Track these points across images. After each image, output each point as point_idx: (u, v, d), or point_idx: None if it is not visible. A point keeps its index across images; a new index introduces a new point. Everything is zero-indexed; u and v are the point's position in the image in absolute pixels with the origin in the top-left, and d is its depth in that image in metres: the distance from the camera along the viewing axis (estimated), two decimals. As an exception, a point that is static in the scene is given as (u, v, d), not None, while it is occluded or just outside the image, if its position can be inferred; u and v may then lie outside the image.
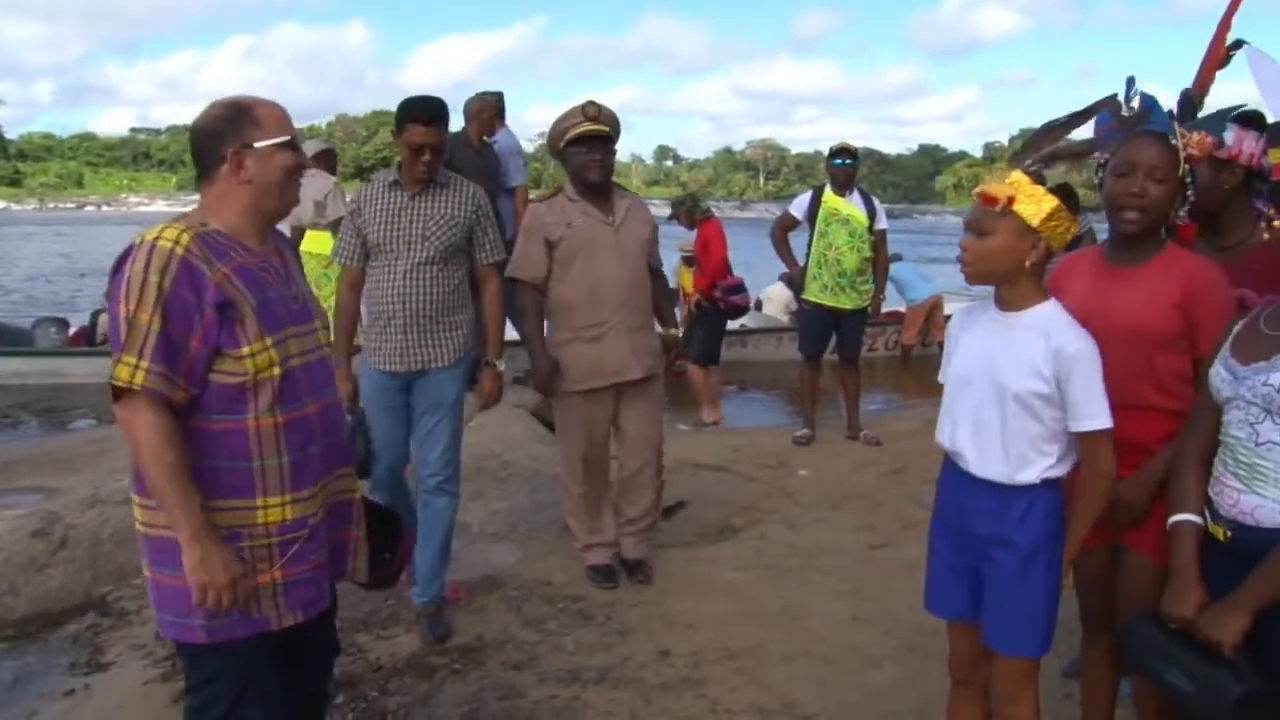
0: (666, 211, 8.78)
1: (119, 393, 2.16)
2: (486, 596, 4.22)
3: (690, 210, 8.82)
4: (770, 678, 3.67)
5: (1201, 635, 2.24)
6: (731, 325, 11.64)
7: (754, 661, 3.78)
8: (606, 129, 4.32)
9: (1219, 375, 2.34)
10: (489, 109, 7.34)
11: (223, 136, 2.28)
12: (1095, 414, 2.41)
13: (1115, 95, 2.77)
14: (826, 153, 7.24)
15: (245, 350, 2.21)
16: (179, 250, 2.15)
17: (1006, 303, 2.51)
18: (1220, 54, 2.94)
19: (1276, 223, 2.31)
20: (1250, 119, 2.83)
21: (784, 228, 7.25)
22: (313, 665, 2.61)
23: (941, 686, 3.14)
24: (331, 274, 6.38)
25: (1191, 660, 2.25)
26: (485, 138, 7.28)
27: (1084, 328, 2.48)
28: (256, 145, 2.28)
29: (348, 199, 3.81)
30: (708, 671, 3.70)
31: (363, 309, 4.04)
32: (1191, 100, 2.84)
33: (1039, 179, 2.47)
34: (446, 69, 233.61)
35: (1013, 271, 2.46)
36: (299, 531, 2.34)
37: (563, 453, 4.58)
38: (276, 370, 2.26)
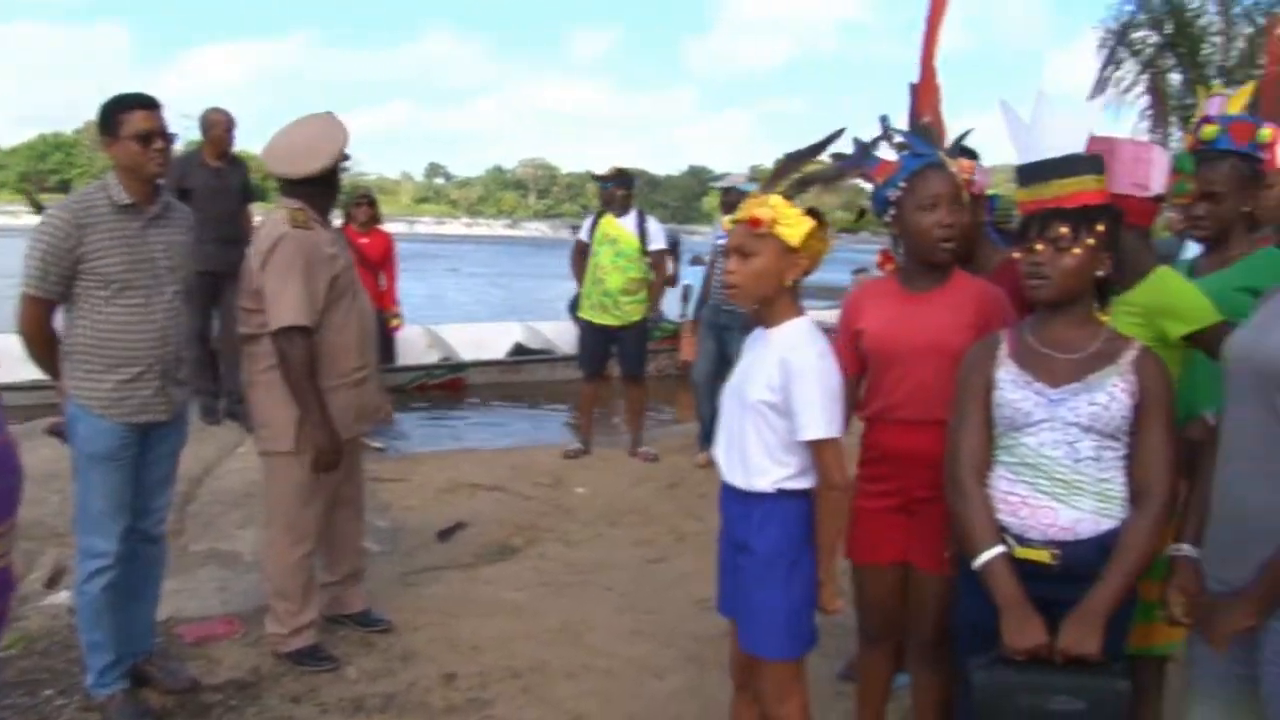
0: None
1: None
2: (260, 628, 4.02)
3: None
4: (556, 694, 3.72)
5: (1071, 652, 2.24)
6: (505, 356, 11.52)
7: (539, 679, 3.81)
8: None
9: (1026, 399, 2.38)
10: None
11: None
12: (810, 424, 2.51)
13: (843, 129, 2.87)
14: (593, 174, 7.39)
15: None
16: None
17: (765, 320, 2.66)
18: (933, 78, 3.14)
19: (1017, 254, 2.50)
20: (966, 149, 3.15)
21: (579, 252, 7.36)
22: None
23: (720, 693, 3.28)
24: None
25: (1069, 681, 2.26)
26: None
27: (888, 347, 2.74)
28: None
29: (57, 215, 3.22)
30: (494, 691, 3.71)
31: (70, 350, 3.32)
32: (931, 130, 3.02)
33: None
34: (210, 78, 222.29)
35: (776, 290, 2.60)
36: None
37: (290, 517, 3.81)
38: None
